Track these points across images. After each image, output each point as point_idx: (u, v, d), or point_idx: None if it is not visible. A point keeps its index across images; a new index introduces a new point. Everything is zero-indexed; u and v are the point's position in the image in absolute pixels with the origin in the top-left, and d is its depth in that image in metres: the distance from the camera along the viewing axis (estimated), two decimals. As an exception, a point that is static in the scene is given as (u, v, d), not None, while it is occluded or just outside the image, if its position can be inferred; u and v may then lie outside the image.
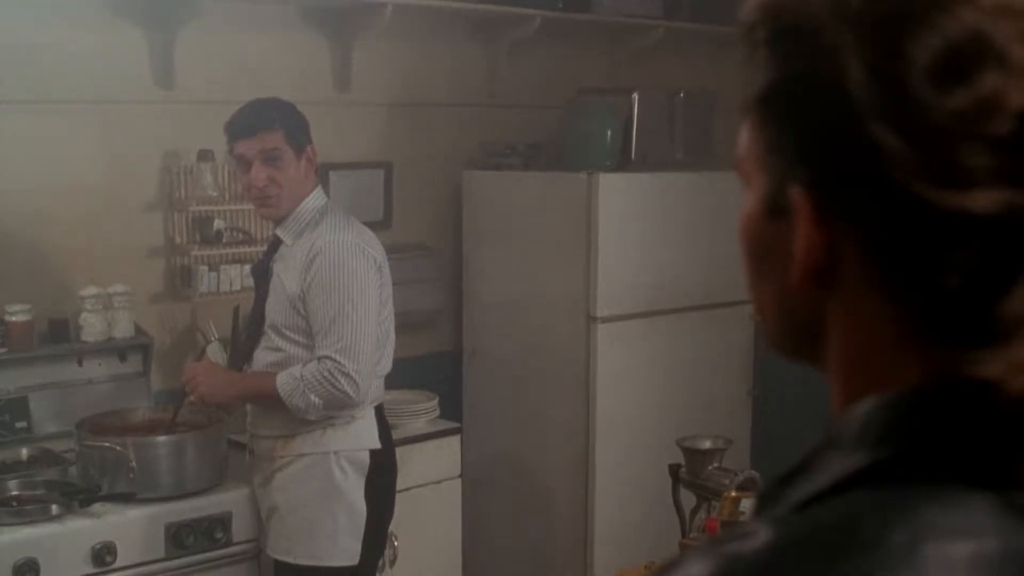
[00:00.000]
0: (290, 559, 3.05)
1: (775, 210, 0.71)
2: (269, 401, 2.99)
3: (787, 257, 0.70)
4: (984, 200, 0.62)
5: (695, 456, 2.64)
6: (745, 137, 0.73)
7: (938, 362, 0.65)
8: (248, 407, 3.17)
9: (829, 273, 0.68)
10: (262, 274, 3.10)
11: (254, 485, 3.15)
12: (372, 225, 3.27)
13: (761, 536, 0.64)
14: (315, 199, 3.05)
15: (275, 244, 3.11)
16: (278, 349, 3.03)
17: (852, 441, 0.65)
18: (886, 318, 0.67)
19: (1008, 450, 0.63)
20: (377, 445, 3.07)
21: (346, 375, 2.90)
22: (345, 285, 2.93)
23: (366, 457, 3.06)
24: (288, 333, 3.01)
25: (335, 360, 2.90)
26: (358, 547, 3.04)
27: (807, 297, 0.70)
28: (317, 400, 2.92)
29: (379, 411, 3.15)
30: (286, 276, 3.00)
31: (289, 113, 3.03)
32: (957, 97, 0.62)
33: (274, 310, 3.03)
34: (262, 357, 3.07)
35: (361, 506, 3.04)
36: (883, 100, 0.64)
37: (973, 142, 0.62)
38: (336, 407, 2.96)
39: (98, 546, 2.90)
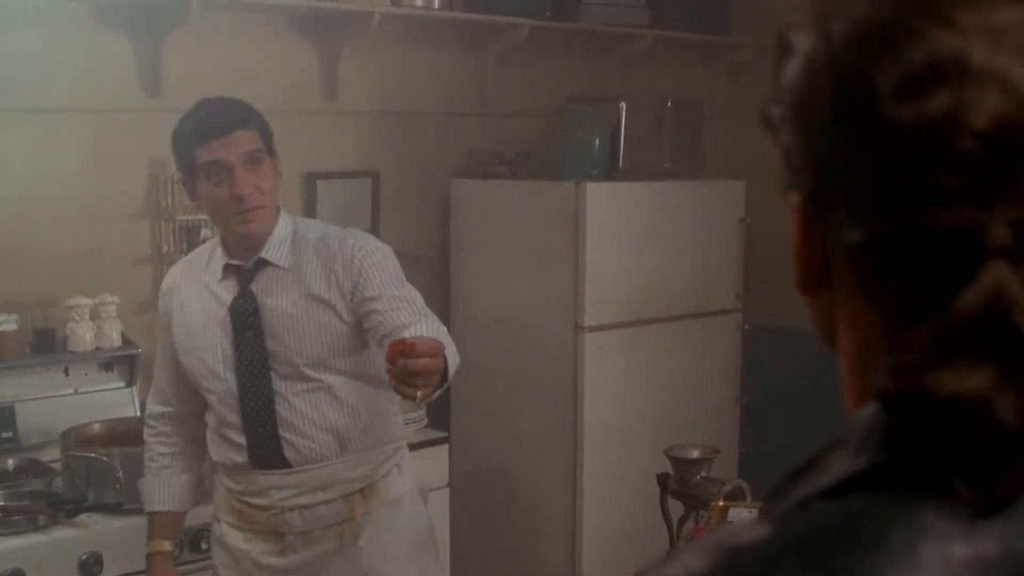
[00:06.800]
0: None
1: (793, 210, 0.73)
2: None
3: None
4: (951, 219, 0.62)
5: (683, 465, 2.63)
6: None
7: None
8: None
9: (824, 277, 0.71)
10: (250, 312, 2.53)
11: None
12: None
13: (761, 532, 0.65)
14: (285, 217, 2.58)
15: (250, 273, 2.54)
16: (317, 380, 2.53)
17: (856, 443, 0.66)
18: (875, 322, 0.68)
19: (993, 464, 0.63)
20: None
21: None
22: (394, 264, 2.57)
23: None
24: (336, 361, 2.53)
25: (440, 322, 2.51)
26: None
27: (814, 297, 0.73)
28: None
29: None
30: (312, 295, 2.51)
31: (258, 113, 2.54)
32: (920, 115, 0.62)
33: (311, 342, 2.51)
34: (302, 404, 2.54)
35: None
36: (850, 119, 0.65)
37: (938, 161, 0.62)
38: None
39: (84, 556, 2.88)
